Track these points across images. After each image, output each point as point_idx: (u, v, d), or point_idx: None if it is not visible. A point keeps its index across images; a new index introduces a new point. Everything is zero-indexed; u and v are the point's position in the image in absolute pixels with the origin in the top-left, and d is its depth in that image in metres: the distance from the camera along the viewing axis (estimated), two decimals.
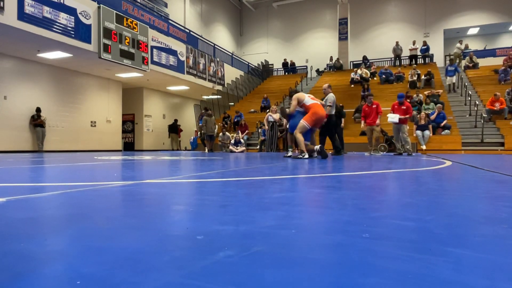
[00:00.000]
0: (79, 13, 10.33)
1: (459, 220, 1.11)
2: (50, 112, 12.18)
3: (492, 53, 20.13)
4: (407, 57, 20.18)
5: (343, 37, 22.41)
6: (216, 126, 14.11)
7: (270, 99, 17.21)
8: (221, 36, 25.59)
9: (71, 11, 10.08)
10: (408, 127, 9.08)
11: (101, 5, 10.94)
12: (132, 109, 16.72)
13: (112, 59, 11.30)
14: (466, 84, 15.19)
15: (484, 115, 12.01)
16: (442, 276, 0.60)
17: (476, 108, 12.30)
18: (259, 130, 14.00)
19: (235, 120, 15.53)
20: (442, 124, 11.94)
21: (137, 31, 12.30)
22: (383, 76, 17.59)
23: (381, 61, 22.03)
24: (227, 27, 26.75)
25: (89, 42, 10.61)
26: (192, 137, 16.12)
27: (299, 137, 6.00)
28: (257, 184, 2.18)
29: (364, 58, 21.02)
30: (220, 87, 18.27)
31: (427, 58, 20.04)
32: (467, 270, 0.64)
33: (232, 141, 13.13)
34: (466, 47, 19.75)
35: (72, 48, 10.41)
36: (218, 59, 18.33)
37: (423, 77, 16.09)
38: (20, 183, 2.21)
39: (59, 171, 3.24)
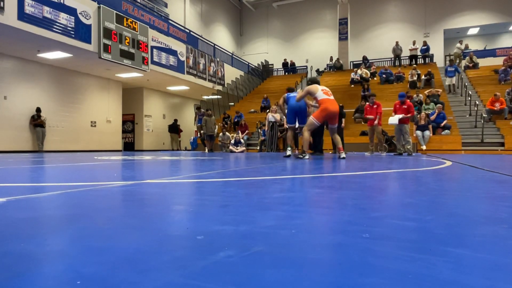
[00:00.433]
0: (79, 13, 10.34)
1: (459, 220, 1.11)
2: (50, 112, 12.18)
3: (492, 53, 20.13)
4: (407, 57, 20.18)
5: (343, 37, 22.41)
6: (216, 126, 14.11)
7: (270, 99, 17.21)
8: (221, 36, 25.59)
9: (71, 11, 10.08)
10: (409, 127, 9.09)
11: (101, 5, 10.94)
12: (132, 109, 16.72)
13: (112, 59, 11.30)
14: (466, 84, 15.19)
15: (484, 115, 12.00)
16: (442, 276, 0.60)
17: (476, 108, 12.29)
18: (259, 130, 14.00)
19: (235, 120, 15.54)
20: (442, 124, 11.94)
21: (137, 31, 12.31)
22: (383, 76, 17.59)
23: (381, 61, 22.03)
24: (227, 27, 26.76)
25: (89, 42, 10.62)
26: (192, 137, 16.12)
27: (306, 135, 5.74)
28: (257, 184, 2.18)
29: (364, 58, 21.03)
30: (220, 87, 18.27)
31: (427, 58, 20.04)
32: (467, 270, 0.64)
33: (232, 141, 13.13)
34: (466, 47, 19.75)
35: (72, 48, 10.41)
36: (218, 59, 18.34)
37: (423, 77, 16.08)
38: (20, 183, 2.21)
39: (59, 171, 3.24)
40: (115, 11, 11.42)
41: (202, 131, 13.77)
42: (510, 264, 0.68)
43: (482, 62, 18.08)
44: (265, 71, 24.55)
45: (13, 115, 11.10)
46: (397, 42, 20.36)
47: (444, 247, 0.79)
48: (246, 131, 14.41)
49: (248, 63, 22.72)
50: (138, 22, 12.44)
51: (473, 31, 24.28)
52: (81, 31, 10.37)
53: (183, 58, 15.09)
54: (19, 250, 0.76)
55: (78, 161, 5.12)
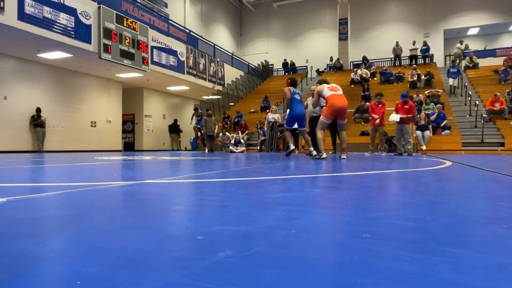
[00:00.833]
0: (79, 13, 10.34)
1: (459, 220, 1.11)
2: (50, 112, 12.19)
3: (492, 53, 20.13)
4: (407, 57, 20.19)
5: (343, 37, 22.42)
6: (216, 126, 14.12)
7: (270, 99, 17.21)
8: (221, 36, 25.59)
9: (71, 11, 10.09)
10: (410, 127, 9.09)
11: (101, 5, 10.94)
12: (132, 109, 16.72)
13: (112, 59, 11.30)
14: (466, 84, 15.19)
15: (484, 115, 12.01)
16: (442, 276, 0.60)
17: (476, 108, 12.30)
18: (259, 130, 14.00)
19: (235, 120, 15.54)
20: (442, 124, 11.94)
21: (137, 31, 12.31)
22: (383, 76, 17.61)
23: (381, 61, 22.03)
24: (227, 27, 26.76)
25: (89, 42, 10.62)
26: (192, 137, 16.13)
27: (319, 135, 5.65)
28: (257, 184, 2.18)
29: (364, 58, 21.03)
30: (220, 87, 18.28)
31: (427, 58, 20.04)
32: (467, 270, 0.64)
33: (232, 141, 13.14)
34: (466, 47, 19.76)
35: (72, 48, 10.41)
36: (218, 59, 18.34)
37: (423, 77, 16.08)
38: (20, 183, 2.21)
39: (59, 171, 3.24)
40: (115, 11, 11.42)
41: (202, 131, 13.78)
42: (510, 264, 0.68)
43: (482, 62, 18.08)
44: (265, 71, 24.55)
45: (13, 115, 11.10)
46: (397, 42, 20.36)
47: (444, 247, 0.79)
48: (246, 131, 14.41)
49: (248, 63, 22.73)
50: (138, 22, 12.44)
51: (473, 31, 24.28)
52: (81, 31, 10.37)
53: (183, 58, 15.10)
54: (19, 250, 0.76)
55: (78, 161, 5.12)
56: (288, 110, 6.72)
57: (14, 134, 11.15)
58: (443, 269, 0.64)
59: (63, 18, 9.86)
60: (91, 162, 4.85)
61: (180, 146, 17.80)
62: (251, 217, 1.12)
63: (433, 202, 1.49)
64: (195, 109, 16.05)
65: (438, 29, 23.17)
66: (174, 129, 17.09)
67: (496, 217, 1.17)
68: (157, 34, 13.60)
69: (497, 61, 17.59)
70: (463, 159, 6.20)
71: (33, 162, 4.92)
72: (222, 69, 18.54)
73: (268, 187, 2.00)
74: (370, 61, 21.05)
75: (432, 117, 11.98)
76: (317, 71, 22.99)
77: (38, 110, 11.58)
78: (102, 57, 10.93)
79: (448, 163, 4.60)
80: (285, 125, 6.99)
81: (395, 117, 8.61)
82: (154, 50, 13.35)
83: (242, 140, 13.33)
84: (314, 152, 6.38)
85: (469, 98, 13.26)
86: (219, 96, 18.32)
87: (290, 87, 6.86)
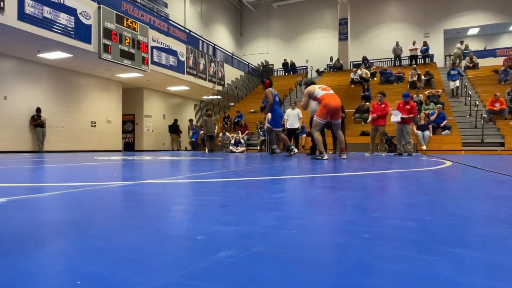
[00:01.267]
0: (79, 14, 10.34)
1: (459, 220, 1.11)
2: (50, 112, 12.19)
3: (492, 53, 20.13)
4: (407, 57, 20.19)
5: (343, 37, 22.42)
6: (216, 126, 14.12)
7: None
8: (221, 37, 25.59)
9: (71, 11, 10.08)
10: (411, 127, 9.08)
11: (101, 5, 10.94)
12: (132, 109, 16.72)
13: (112, 59, 11.30)
14: (466, 84, 15.18)
15: (484, 115, 12.01)
16: (442, 276, 0.60)
17: (476, 109, 12.30)
18: (259, 130, 14.00)
19: (235, 120, 15.54)
20: (442, 124, 11.94)
21: (137, 32, 12.31)
22: (383, 76, 17.61)
23: (381, 61, 22.03)
24: (227, 27, 26.76)
25: (89, 42, 10.62)
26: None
27: (317, 136, 5.64)
28: (257, 184, 2.18)
29: (364, 58, 21.03)
30: (220, 87, 18.27)
31: (427, 59, 20.04)
32: (467, 270, 0.64)
33: (232, 142, 13.14)
34: (466, 47, 19.75)
35: (72, 49, 10.41)
36: (218, 59, 18.34)
37: (423, 77, 16.07)
38: (20, 183, 2.21)
39: (59, 172, 3.24)
40: (115, 11, 11.42)
41: (202, 131, 13.80)
42: (510, 264, 0.68)
43: (482, 62, 18.08)
44: (265, 71, 24.55)
45: (13, 115, 11.10)
46: (397, 42, 20.36)
47: (444, 247, 0.79)
48: (246, 131, 14.41)
49: (248, 63, 22.73)
50: (138, 22, 12.44)
51: (473, 31, 24.28)
52: (81, 31, 10.37)
53: (183, 58, 15.10)
54: (19, 250, 0.76)
55: (78, 161, 5.12)
56: (269, 113, 6.81)
57: (14, 134, 11.15)
58: (443, 269, 0.64)
59: (63, 18, 9.86)
60: (91, 162, 4.85)
61: (180, 146, 17.80)
62: (251, 217, 1.12)
63: (433, 202, 1.49)
64: (190, 120, 16.07)
65: (438, 29, 23.17)
66: (174, 129, 17.10)
67: (496, 217, 1.17)
68: (157, 34, 13.60)
69: (497, 61, 17.59)
70: (463, 159, 6.20)
71: (33, 162, 4.93)
72: (222, 69, 18.54)
73: (268, 187, 2.00)
74: (370, 61, 21.05)
75: (432, 117, 11.98)
76: (317, 71, 22.99)
77: (38, 110, 11.58)
78: (102, 57, 10.93)
79: (448, 163, 4.59)
80: (274, 129, 7.07)
81: (396, 117, 8.58)
82: (154, 50, 13.35)
83: (242, 140, 13.33)
84: (278, 150, 6.62)
85: (469, 98, 13.26)
86: (219, 96, 18.32)
87: (271, 89, 6.89)
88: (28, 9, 8.94)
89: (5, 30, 8.81)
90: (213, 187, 2.01)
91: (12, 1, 8.56)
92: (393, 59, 20.80)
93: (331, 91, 5.75)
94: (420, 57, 19.98)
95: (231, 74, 19.58)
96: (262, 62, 25.09)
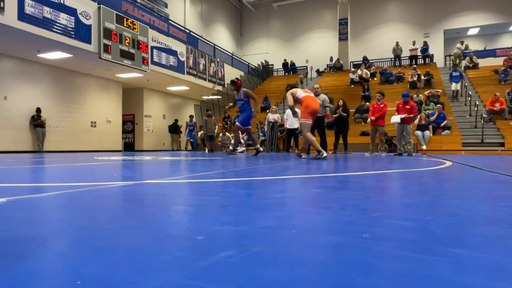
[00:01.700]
0: (79, 14, 10.34)
1: (459, 220, 1.11)
2: (50, 112, 12.18)
3: (492, 53, 20.14)
4: (407, 58, 20.18)
5: (343, 37, 22.42)
6: (216, 126, 14.12)
7: (270, 99, 17.20)
8: (221, 37, 25.59)
9: (71, 11, 10.08)
10: (411, 127, 9.07)
11: (101, 5, 10.94)
12: (132, 109, 16.72)
13: (112, 60, 11.30)
14: (466, 84, 15.18)
15: (484, 115, 12.01)
16: (442, 277, 0.60)
17: (476, 109, 12.30)
18: (259, 130, 14.00)
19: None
20: (442, 124, 11.94)
21: (137, 32, 12.31)
22: (383, 76, 17.61)
23: (381, 61, 22.03)
24: (227, 28, 26.76)
25: (89, 42, 10.61)
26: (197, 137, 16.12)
27: (310, 137, 5.84)
28: (257, 184, 2.18)
29: (364, 58, 21.04)
30: (220, 88, 18.27)
31: (427, 59, 20.04)
32: (467, 271, 0.64)
33: (232, 142, 13.13)
34: (467, 47, 19.74)
35: (72, 49, 10.41)
36: (218, 60, 18.34)
37: (423, 77, 16.06)
38: (20, 183, 2.21)
39: (60, 172, 3.24)
40: (115, 12, 11.42)
41: (201, 132, 13.79)
42: (510, 264, 0.68)
43: (482, 62, 18.08)
44: (265, 71, 24.54)
45: (13, 115, 11.10)
46: (397, 42, 20.36)
47: (444, 247, 0.79)
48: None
49: (248, 63, 22.72)
50: (138, 22, 12.44)
51: (473, 31, 24.28)
52: (81, 32, 10.37)
53: (183, 58, 15.09)
54: (19, 250, 0.76)
55: (78, 161, 5.12)
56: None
57: (14, 134, 11.15)
58: (443, 269, 0.64)
59: (63, 18, 9.86)
60: (91, 162, 4.85)
61: (180, 146, 17.80)
62: (251, 217, 1.12)
63: (433, 202, 1.49)
64: (190, 116, 16.00)
65: (438, 29, 23.17)
66: (174, 129, 17.09)
67: (496, 217, 1.17)
68: (157, 34, 13.60)
69: (497, 61, 17.58)
70: (463, 159, 6.20)
71: (33, 162, 4.93)
72: (222, 69, 18.54)
73: (268, 187, 2.00)
74: (370, 61, 21.05)
75: (432, 118, 11.98)
76: (317, 71, 22.98)
77: (38, 110, 11.58)
78: (102, 57, 10.92)
79: (448, 163, 4.59)
80: (244, 126, 7.23)
81: (396, 118, 8.59)
82: (154, 50, 13.35)
83: (242, 141, 13.32)
84: (261, 149, 6.87)
85: (469, 98, 13.26)
86: (219, 96, 18.31)
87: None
88: (28, 9, 8.94)
89: (5, 30, 8.81)
90: (213, 187, 2.01)
91: (12, 1, 8.55)
92: (393, 59, 20.80)
93: (312, 94, 6.14)
94: (420, 57, 19.98)
95: (231, 74, 19.56)
96: (262, 62, 25.09)
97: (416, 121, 11.31)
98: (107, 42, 11.04)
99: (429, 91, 14.22)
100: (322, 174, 2.99)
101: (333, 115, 10.33)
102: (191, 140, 15.56)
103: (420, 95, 13.64)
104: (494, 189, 2.00)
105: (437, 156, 8.01)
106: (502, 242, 0.85)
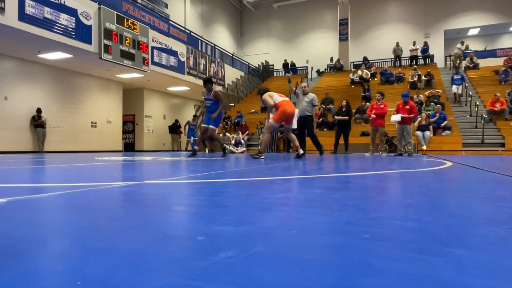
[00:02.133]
0: (80, 14, 10.34)
1: (459, 220, 1.11)
2: (50, 112, 12.19)
3: (492, 53, 20.13)
4: (408, 58, 20.18)
5: (343, 37, 22.42)
6: None
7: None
8: (222, 37, 25.60)
9: (71, 12, 10.09)
10: (411, 127, 9.07)
11: (102, 6, 10.95)
12: (132, 109, 16.73)
13: (112, 60, 11.31)
14: (466, 85, 15.17)
15: (484, 115, 12.00)
16: (443, 277, 0.60)
17: (476, 109, 12.29)
18: (260, 130, 14.00)
19: (236, 120, 15.54)
20: (443, 124, 11.93)
21: (137, 32, 12.32)
22: (383, 77, 17.60)
23: (381, 61, 22.03)
24: (228, 28, 26.77)
25: (89, 42, 10.62)
26: (192, 138, 16.12)
27: (266, 138, 6.16)
28: (258, 184, 2.18)
29: (365, 58, 21.04)
30: (220, 88, 18.28)
31: (427, 59, 20.04)
32: (467, 271, 0.64)
33: (233, 142, 13.14)
34: (467, 47, 19.73)
35: (72, 49, 10.42)
36: (218, 60, 18.35)
37: (423, 77, 16.05)
38: (21, 184, 2.21)
39: (60, 172, 3.25)
40: (115, 12, 11.43)
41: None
42: (510, 265, 0.68)
43: (483, 62, 18.07)
44: (265, 71, 24.55)
45: (13, 116, 11.11)
46: (397, 43, 20.36)
47: (445, 247, 0.79)
48: (247, 132, 14.41)
49: (249, 63, 22.72)
50: (138, 22, 12.44)
51: (473, 31, 24.28)
52: (82, 32, 10.38)
53: (183, 59, 15.10)
54: (20, 250, 0.76)
55: (78, 161, 5.12)
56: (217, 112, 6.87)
57: (14, 135, 11.15)
58: (444, 270, 0.64)
59: (64, 19, 9.87)
60: (92, 162, 4.85)
61: (181, 146, 17.80)
62: (251, 217, 1.12)
63: (433, 202, 1.49)
64: (195, 116, 15.94)
65: (438, 29, 23.17)
66: (175, 129, 17.09)
67: (496, 217, 1.17)
68: (157, 35, 13.61)
69: (498, 62, 17.58)
70: (464, 159, 6.20)
71: (33, 162, 4.93)
72: (222, 70, 18.55)
73: (268, 187, 2.00)
74: (370, 61, 21.04)
75: (433, 119, 11.97)
76: (318, 71, 22.98)
77: (39, 110, 11.59)
78: (102, 57, 10.93)
79: (449, 164, 4.59)
80: (213, 126, 7.07)
81: (396, 117, 8.60)
82: (155, 50, 13.36)
83: (242, 141, 13.33)
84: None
85: (470, 99, 13.25)
86: None
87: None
88: (29, 10, 8.94)
89: (6, 31, 8.82)
90: (213, 187, 2.01)
91: (13, 1, 8.56)
92: (393, 59, 20.80)
93: (287, 99, 6.23)
94: (421, 57, 19.97)
95: (232, 74, 19.58)
96: (262, 63, 25.09)
97: (416, 123, 11.30)
98: (107, 42, 11.05)
99: (429, 91, 14.21)
100: (322, 174, 2.99)
101: (335, 117, 10.39)
102: (194, 138, 15.43)
103: (421, 96, 13.63)
104: (495, 190, 2.00)
105: (437, 156, 8.01)
106: (502, 242, 0.85)
